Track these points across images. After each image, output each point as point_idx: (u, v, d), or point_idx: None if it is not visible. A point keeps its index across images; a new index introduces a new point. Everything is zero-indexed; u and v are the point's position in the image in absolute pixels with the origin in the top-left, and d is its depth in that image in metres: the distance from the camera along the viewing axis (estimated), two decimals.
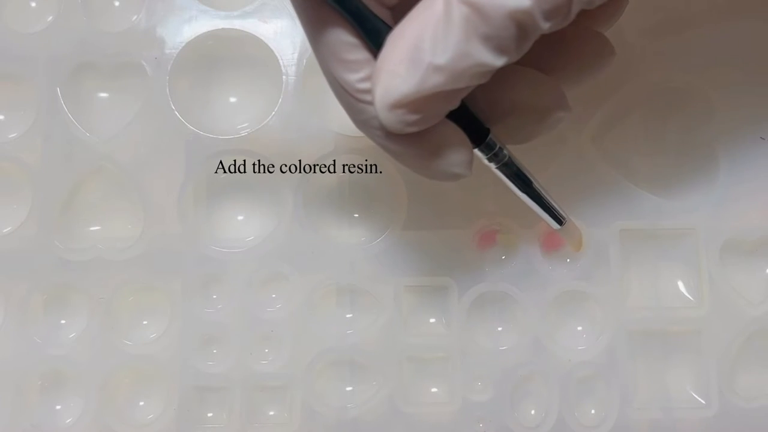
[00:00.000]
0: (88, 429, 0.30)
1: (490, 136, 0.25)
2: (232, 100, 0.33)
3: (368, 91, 0.22)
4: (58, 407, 0.31)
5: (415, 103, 0.21)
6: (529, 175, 0.26)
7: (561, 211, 0.28)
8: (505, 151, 0.25)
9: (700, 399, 0.30)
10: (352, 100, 0.23)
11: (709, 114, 0.32)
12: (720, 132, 0.32)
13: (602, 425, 0.30)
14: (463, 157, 0.24)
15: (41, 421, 0.30)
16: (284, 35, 0.32)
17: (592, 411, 0.30)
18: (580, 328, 0.31)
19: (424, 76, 0.21)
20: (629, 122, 0.32)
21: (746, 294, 0.31)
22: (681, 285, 0.31)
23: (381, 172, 0.32)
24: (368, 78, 0.22)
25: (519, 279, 0.31)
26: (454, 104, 0.22)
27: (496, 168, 0.26)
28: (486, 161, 0.25)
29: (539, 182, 0.27)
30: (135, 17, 0.33)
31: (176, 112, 0.32)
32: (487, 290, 0.31)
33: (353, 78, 0.22)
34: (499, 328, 0.31)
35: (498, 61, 0.21)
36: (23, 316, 0.31)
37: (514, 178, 0.26)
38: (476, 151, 0.25)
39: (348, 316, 0.31)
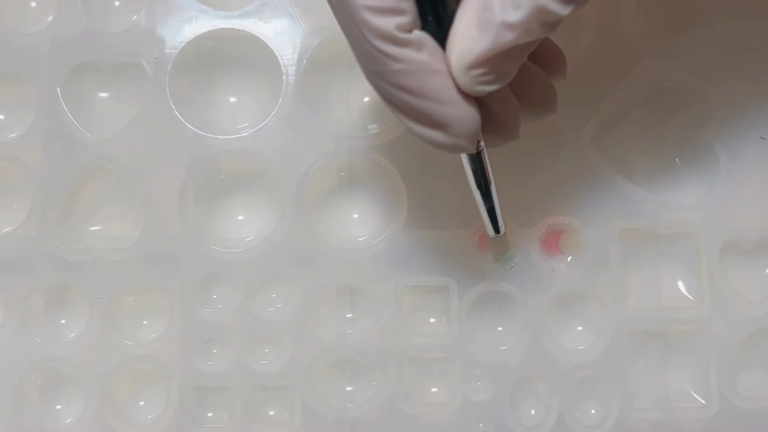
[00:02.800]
0: (89, 429, 0.30)
1: None
2: (232, 99, 0.33)
3: (404, 42, 0.22)
4: (58, 407, 0.31)
5: (491, 62, 0.22)
6: (491, 175, 0.26)
7: (502, 223, 0.28)
8: (481, 143, 0.25)
9: (700, 399, 0.30)
10: (372, 50, 0.22)
11: (709, 114, 0.32)
12: (720, 132, 0.32)
13: (602, 425, 0.30)
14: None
15: (41, 421, 0.30)
16: (284, 35, 0.32)
17: (593, 411, 0.30)
18: (580, 328, 0.31)
19: (497, 34, 0.22)
20: (629, 122, 0.32)
21: (746, 294, 0.31)
22: (681, 285, 0.31)
23: (381, 172, 0.31)
24: (407, 26, 0.22)
25: (519, 279, 0.31)
26: (523, 59, 0.23)
27: (467, 156, 0.26)
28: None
29: (497, 187, 0.27)
30: (135, 17, 0.33)
31: (176, 112, 0.32)
32: (487, 290, 0.31)
33: (388, 23, 0.22)
34: (499, 328, 0.31)
35: (565, 10, 0.22)
36: (23, 316, 0.31)
37: (477, 172, 0.26)
38: None
39: (348, 315, 0.31)
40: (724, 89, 0.32)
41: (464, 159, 0.26)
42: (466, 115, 0.23)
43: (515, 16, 0.21)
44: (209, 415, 0.30)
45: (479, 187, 0.27)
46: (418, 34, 0.23)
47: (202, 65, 0.33)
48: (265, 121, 0.32)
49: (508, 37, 0.22)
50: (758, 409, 0.30)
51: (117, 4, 0.33)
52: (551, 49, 0.27)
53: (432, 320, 0.31)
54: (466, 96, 0.23)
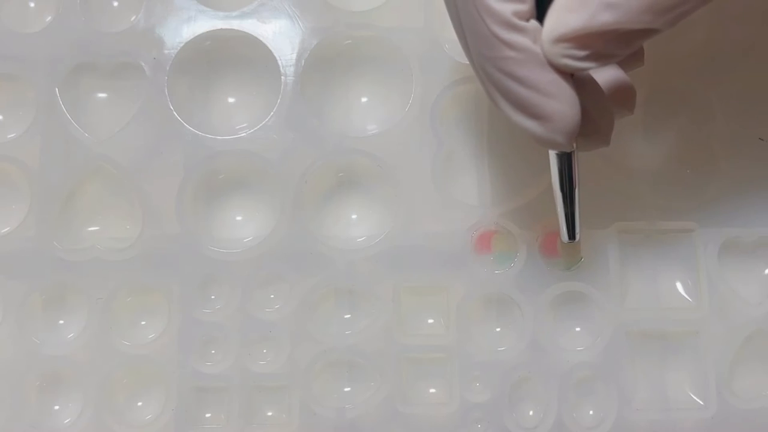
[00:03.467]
0: (87, 429, 0.30)
1: None
2: (231, 100, 0.33)
3: (521, 29, 0.22)
4: (56, 407, 0.31)
5: (583, 39, 0.22)
6: (577, 179, 0.26)
7: (578, 230, 0.28)
8: (574, 144, 0.25)
9: (698, 400, 0.30)
10: (488, 33, 0.22)
11: (709, 114, 0.32)
12: (719, 132, 0.32)
13: (601, 426, 0.30)
14: (561, 126, 0.23)
15: (39, 422, 0.30)
16: (283, 35, 0.32)
17: (591, 412, 0.30)
18: (578, 329, 0.31)
19: (595, 12, 0.21)
20: (629, 122, 0.32)
21: (745, 295, 0.31)
22: (679, 286, 0.31)
23: (379, 173, 0.31)
24: (524, 14, 0.22)
25: (517, 280, 0.31)
26: (631, 48, 0.23)
27: (556, 154, 0.26)
28: None
29: (579, 192, 0.27)
30: (134, 17, 0.33)
31: (175, 113, 0.32)
32: (486, 291, 0.31)
33: (507, 9, 0.22)
34: (498, 329, 0.31)
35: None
36: (22, 316, 0.31)
37: (563, 173, 0.26)
38: None
39: (346, 316, 0.31)
40: (724, 89, 0.32)
41: (552, 158, 0.26)
42: (568, 111, 0.23)
43: None
44: (207, 415, 0.30)
45: (562, 189, 0.26)
46: (534, 24, 0.23)
47: (200, 66, 0.33)
48: (264, 122, 0.32)
49: (606, 18, 0.21)
50: (756, 410, 0.30)
51: (115, 4, 0.33)
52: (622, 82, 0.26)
53: (430, 321, 0.31)
54: (571, 93, 0.23)
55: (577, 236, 0.28)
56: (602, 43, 0.22)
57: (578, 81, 0.24)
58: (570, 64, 0.23)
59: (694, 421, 0.30)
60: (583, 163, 0.31)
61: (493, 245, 0.31)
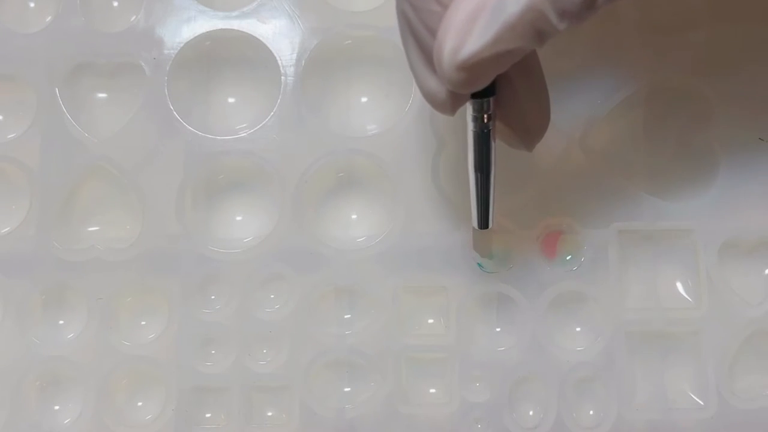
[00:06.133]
0: (87, 429, 0.30)
1: (490, 99, 0.24)
2: (231, 100, 0.33)
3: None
4: (56, 408, 0.31)
5: (480, 64, 0.22)
6: (493, 164, 0.26)
7: (491, 218, 0.27)
8: (490, 125, 0.25)
9: (698, 400, 0.30)
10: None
11: (709, 114, 0.32)
12: (719, 132, 0.32)
13: (600, 426, 0.30)
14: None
15: (39, 422, 0.30)
16: (283, 35, 0.32)
17: (591, 412, 0.30)
18: (578, 329, 0.31)
19: (499, 33, 0.21)
20: (629, 122, 0.32)
21: (745, 295, 0.31)
22: (679, 286, 0.31)
23: (379, 173, 0.31)
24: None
25: (517, 280, 0.31)
26: (504, 67, 0.23)
27: (472, 131, 0.25)
28: (469, 118, 0.25)
29: (495, 179, 0.26)
30: (133, 18, 0.33)
31: (175, 113, 0.32)
32: (486, 291, 0.31)
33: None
34: (498, 329, 0.31)
35: (561, 25, 0.21)
36: (21, 316, 0.31)
37: (479, 153, 0.25)
38: (469, 104, 0.24)
39: (346, 316, 0.31)
40: (724, 89, 0.32)
41: (469, 136, 0.25)
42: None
43: (511, 16, 0.21)
44: (207, 415, 0.30)
45: (478, 170, 0.26)
46: None
47: (200, 66, 0.33)
48: (264, 122, 0.32)
49: (508, 38, 0.21)
50: (756, 410, 0.30)
51: (115, 4, 0.33)
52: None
53: (430, 321, 0.31)
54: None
55: (490, 223, 0.27)
56: (494, 68, 0.22)
57: (524, 68, 0.24)
58: (462, 91, 0.23)
59: (694, 421, 0.30)
60: (583, 163, 0.31)
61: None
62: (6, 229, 0.31)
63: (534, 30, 0.21)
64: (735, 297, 0.31)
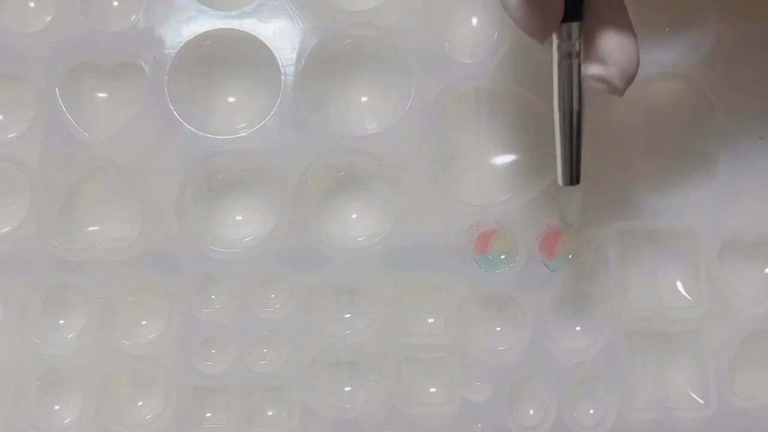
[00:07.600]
0: (87, 429, 0.30)
1: (578, 23, 0.23)
2: (231, 100, 0.33)
3: None
4: (56, 407, 0.31)
5: None
6: (583, 103, 0.24)
7: (579, 171, 0.24)
8: (579, 51, 0.23)
9: (698, 399, 0.30)
10: None
11: (709, 114, 0.32)
12: (719, 132, 0.32)
13: (601, 425, 0.30)
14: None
15: (40, 421, 0.30)
16: (283, 35, 0.32)
17: (591, 411, 0.30)
18: (578, 329, 0.31)
19: None
20: (628, 122, 0.32)
21: (745, 294, 0.31)
22: (680, 285, 0.31)
23: (379, 172, 0.31)
24: None
25: (518, 279, 0.31)
26: None
27: (559, 63, 0.23)
28: (555, 48, 0.24)
29: (584, 123, 0.24)
30: (133, 17, 0.33)
31: (175, 112, 0.32)
32: (486, 291, 0.31)
33: None
34: (498, 328, 0.31)
35: None
36: (22, 316, 0.31)
37: (567, 89, 0.24)
38: (555, 35, 0.24)
39: (347, 316, 0.31)
40: (724, 89, 0.32)
41: (554, 69, 0.24)
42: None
43: None
44: (208, 415, 0.30)
45: (566, 109, 0.23)
46: None
47: (200, 65, 0.33)
48: (264, 122, 0.32)
49: None
50: (757, 409, 0.30)
51: (115, 4, 0.33)
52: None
53: (431, 320, 0.31)
54: None
55: (576, 179, 0.25)
56: None
57: (605, 2, 0.23)
58: None
59: (695, 421, 0.30)
60: (583, 164, 0.31)
61: (491, 245, 0.31)
62: (6, 229, 0.31)
63: None
64: (735, 296, 0.31)
